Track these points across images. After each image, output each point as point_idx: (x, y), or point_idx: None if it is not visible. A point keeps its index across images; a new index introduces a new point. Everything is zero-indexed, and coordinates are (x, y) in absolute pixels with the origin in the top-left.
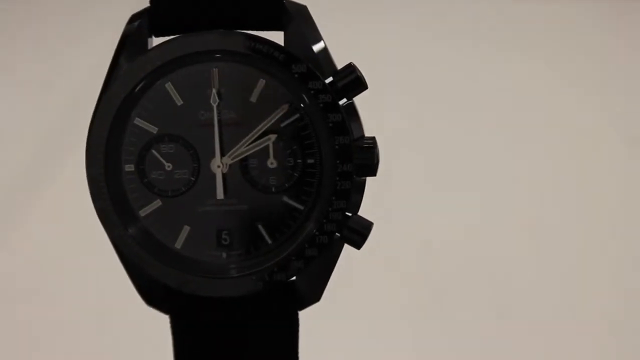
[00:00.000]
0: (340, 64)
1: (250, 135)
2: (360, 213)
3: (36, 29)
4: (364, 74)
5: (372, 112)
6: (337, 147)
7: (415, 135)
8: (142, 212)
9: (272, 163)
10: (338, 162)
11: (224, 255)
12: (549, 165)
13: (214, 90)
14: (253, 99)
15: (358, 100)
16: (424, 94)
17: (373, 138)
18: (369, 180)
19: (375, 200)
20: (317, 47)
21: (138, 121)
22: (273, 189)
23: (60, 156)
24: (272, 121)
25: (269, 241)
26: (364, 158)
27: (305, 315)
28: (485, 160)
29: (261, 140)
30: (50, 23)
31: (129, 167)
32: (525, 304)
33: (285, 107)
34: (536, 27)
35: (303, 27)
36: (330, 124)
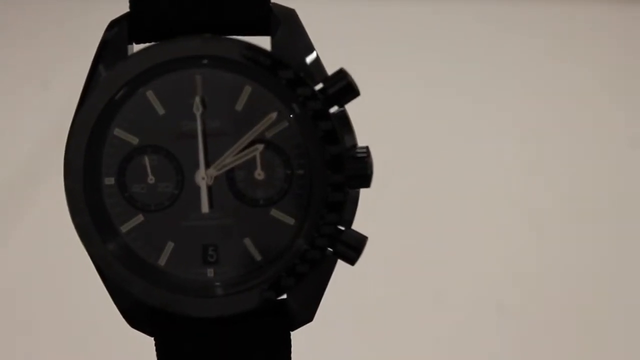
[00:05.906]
0: (331, 70)
1: (236, 145)
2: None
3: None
4: (356, 79)
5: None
6: (327, 157)
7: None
8: (124, 228)
9: (259, 174)
10: (329, 172)
11: (210, 272)
12: (549, 165)
13: (197, 99)
14: (239, 107)
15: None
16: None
17: (367, 147)
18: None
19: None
20: (305, 52)
21: (118, 132)
22: (261, 202)
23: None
24: (259, 130)
25: (258, 257)
26: (357, 168)
27: (298, 336)
28: (482, 160)
29: (248, 150)
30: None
31: (109, 181)
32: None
33: (272, 116)
34: (537, 29)
35: (291, 32)
36: (320, 133)
